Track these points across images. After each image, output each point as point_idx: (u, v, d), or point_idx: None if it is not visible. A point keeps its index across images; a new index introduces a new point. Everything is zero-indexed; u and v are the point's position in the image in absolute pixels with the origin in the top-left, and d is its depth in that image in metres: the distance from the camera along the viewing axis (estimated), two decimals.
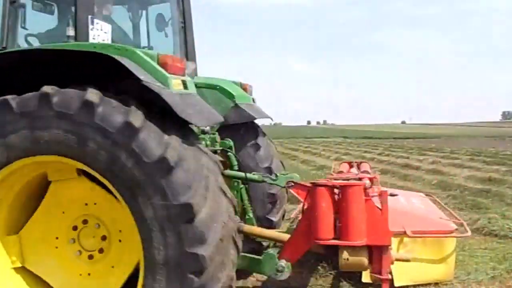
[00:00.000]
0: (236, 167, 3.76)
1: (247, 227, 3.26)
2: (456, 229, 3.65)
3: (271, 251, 3.11)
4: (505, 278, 3.92)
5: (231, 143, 3.80)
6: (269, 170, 3.94)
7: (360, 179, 3.26)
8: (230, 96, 3.91)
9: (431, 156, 18.05)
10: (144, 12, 4.11)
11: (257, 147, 4.00)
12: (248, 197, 3.81)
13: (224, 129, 3.88)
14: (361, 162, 4.19)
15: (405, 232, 3.56)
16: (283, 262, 2.92)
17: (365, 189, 2.89)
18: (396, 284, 3.56)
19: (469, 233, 3.74)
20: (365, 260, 2.82)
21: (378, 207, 2.85)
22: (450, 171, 12.45)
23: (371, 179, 3.61)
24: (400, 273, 3.58)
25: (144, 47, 3.97)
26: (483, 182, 10.13)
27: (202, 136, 3.56)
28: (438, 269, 3.68)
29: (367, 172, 4.44)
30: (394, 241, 3.61)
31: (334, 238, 2.77)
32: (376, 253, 2.83)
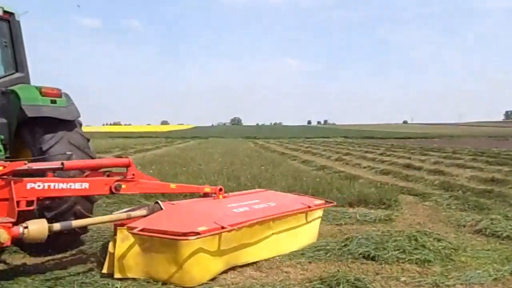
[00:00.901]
0: (2, 157, 4.30)
1: None
2: (191, 233, 3.49)
3: None
4: (508, 279, 3.84)
5: (1, 137, 4.51)
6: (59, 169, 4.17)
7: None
8: (18, 99, 4.45)
9: (433, 156, 17.99)
10: None
11: (42, 148, 4.35)
12: None
13: (21, 127, 4.54)
14: (128, 156, 4.21)
15: (139, 229, 3.64)
16: None
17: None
18: (115, 275, 3.64)
19: (193, 239, 3.49)
20: (5, 237, 3.12)
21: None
22: (453, 171, 12.38)
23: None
24: (121, 266, 3.66)
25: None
26: (486, 182, 10.05)
27: None
28: (168, 269, 3.62)
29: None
30: (129, 235, 3.68)
31: None
32: None
